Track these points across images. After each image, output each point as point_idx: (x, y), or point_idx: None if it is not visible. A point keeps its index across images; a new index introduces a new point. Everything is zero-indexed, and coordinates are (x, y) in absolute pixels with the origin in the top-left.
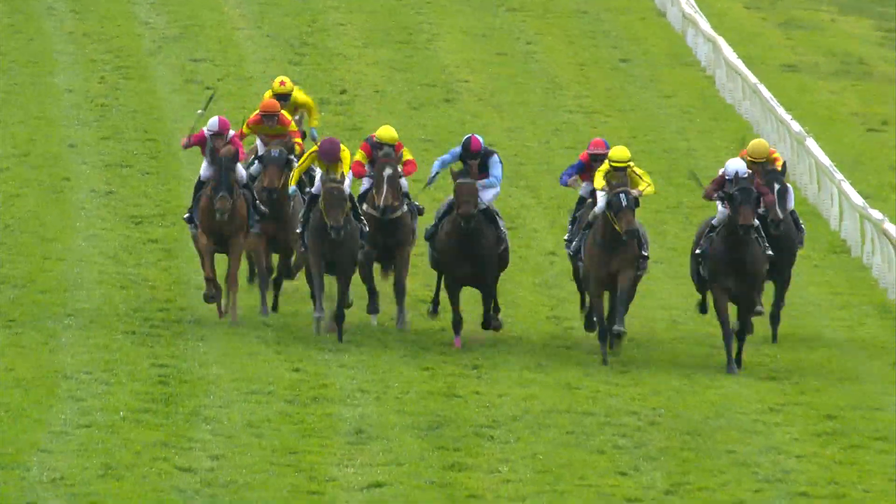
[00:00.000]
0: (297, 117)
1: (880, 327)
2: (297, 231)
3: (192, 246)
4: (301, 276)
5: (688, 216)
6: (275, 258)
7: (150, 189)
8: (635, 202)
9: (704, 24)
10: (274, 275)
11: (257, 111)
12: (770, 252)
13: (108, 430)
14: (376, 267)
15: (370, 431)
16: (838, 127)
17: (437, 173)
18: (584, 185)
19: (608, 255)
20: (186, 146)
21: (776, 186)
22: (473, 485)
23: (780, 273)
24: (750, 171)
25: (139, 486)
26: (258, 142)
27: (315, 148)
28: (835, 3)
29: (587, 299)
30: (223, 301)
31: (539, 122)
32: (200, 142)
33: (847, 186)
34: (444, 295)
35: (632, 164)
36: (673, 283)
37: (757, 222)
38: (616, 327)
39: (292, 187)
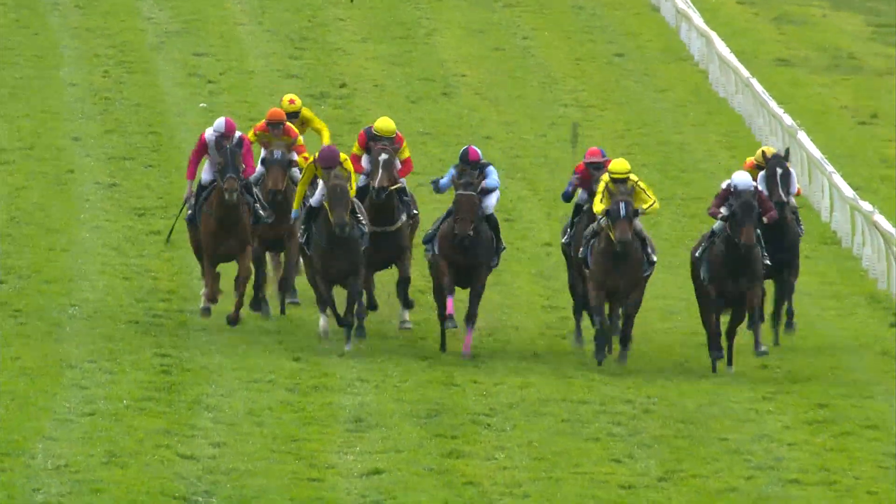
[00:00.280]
0: (302, 138)
1: (870, 317)
2: (301, 241)
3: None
4: (301, 277)
5: (681, 207)
6: (281, 257)
7: (152, 181)
8: (634, 213)
9: (698, 20)
10: (281, 274)
11: (263, 120)
12: (768, 262)
13: (112, 418)
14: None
15: (369, 419)
16: (829, 120)
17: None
18: (580, 192)
19: (615, 272)
20: (193, 172)
21: (779, 171)
22: (470, 472)
23: (784, 279)
24: (754, 185)
25: (142, 473)
26: (263, 151)
27: (312, 158)
28: None
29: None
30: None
31: (535, 116)
32: (202, 150)
33: (838, 179)
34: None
35: (633, 176)
36: (667, 274)
37: (758, 231)
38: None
39: (294, 211)
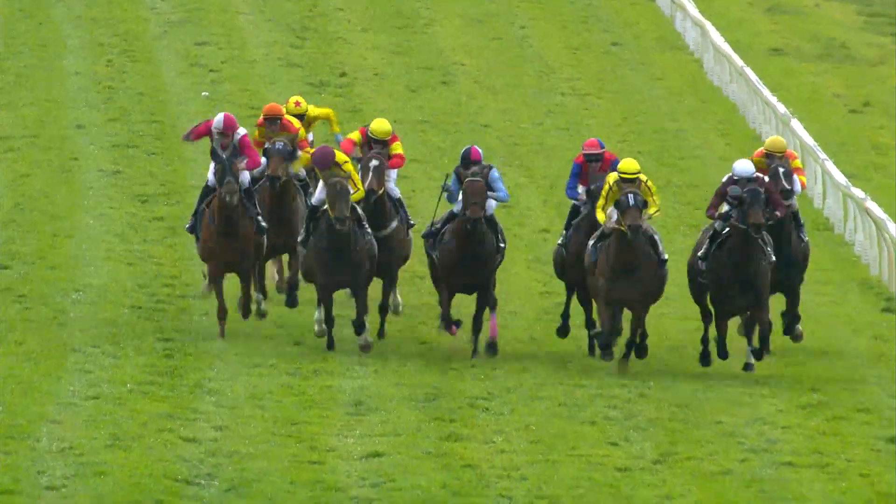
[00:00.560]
0: (310, 136)
1: (862, 302)
2: (300, 240)
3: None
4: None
5: (676, 195)
6: (285, 257)
7: (155, 169)
8: (644, 203)
9: (692, 10)
10: (287, 275)
11: (262, 116)
12: (773, 258)
13: (116, 401)
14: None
15: (369, 403)
16: (822, 108)
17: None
18: (580, 188)
19: (624, 283)
20: (188, 139)
21: (781, 170)
22: (469, 455)
23: (791, 287)
24: (758, 174)
25: (145, 456)
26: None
27: (311, 150)
28: None
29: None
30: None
31: (532, 104)
32: (206, 132)
33: (830, 166)
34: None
35: (642, 175)
36: None
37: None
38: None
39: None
